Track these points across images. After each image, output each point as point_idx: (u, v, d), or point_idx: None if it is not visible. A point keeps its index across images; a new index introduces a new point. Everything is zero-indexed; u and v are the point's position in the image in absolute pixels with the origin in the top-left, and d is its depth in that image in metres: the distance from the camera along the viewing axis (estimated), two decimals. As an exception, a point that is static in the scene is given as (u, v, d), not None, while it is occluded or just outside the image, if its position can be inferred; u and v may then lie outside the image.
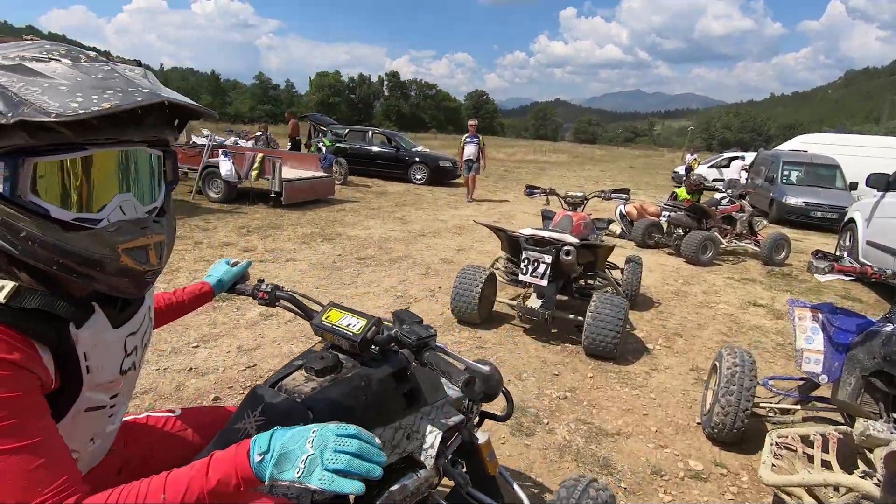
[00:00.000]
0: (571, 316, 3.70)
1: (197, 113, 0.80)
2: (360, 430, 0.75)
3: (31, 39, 0.83)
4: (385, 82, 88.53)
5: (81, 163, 0.70)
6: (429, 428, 1.36)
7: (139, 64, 0.87)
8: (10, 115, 0.63)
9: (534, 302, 3.81)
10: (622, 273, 4.66)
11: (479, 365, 1.39)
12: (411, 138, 17.38)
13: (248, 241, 6.12)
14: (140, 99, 0.68)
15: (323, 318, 1.31)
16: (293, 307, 1.41)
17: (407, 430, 1.32)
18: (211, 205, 8.29)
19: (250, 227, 6.92)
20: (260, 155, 8.24)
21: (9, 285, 0.68)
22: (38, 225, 0.68)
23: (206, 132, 15.69)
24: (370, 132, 14.55)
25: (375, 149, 13.83)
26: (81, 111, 0.63)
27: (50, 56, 0.71)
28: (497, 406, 2.43)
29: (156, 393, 2.71)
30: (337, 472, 0.68)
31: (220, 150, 8.37)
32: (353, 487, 0.67)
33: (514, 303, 3.85)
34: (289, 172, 8.93)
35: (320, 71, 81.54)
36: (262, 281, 1.47)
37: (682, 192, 7.61)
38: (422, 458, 1.34)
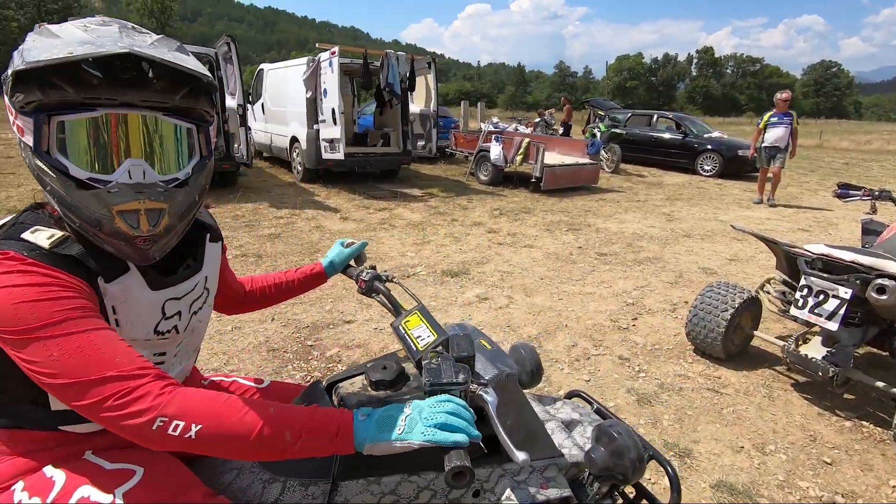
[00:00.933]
0: (881, 384, 2.45)
1: (196, 77, 0.76)
2: (455, 399, 0.75)
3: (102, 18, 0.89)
4: (694, 60, 78.67)
5: (91, 123, 0.72)
6: (507, 492, 1.03)
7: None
8: (10, 68, 0.69)
9: (815, 349, 2.68)
10: None
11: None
12: (717, 123, 14.90)
13: (495, 223, 6.36)
14: (102, 50, 0.66)
15: (402, 322, 1.13)
16: (385, 301, 1.27)
17: (476, 485, 1.03)
18: (479, 186, 8.98)
19: (504, 209, 7.19)
20: (526, 140, 8.42)
21: (58, 234, 0.75)
22: (59, 181, 0.72)
23: (494, 119, 17.19)
24: (655, 116, 13.13)
25: (659, 135, 12.44)
26: (42, 58, 0.64)
27: (83, 24, 0.75)
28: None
29: (365, 349, 3.06)
30: (436, 426, 0.70)
31: (493, 136, 8.93)
32: (457, 437, 0.69)
33: (784, 344, 2.80)
34: (553, 158, 8.87)
35: (620, 55, 78.37)
36: (374, 267, 1.37)
37: None
38: (488, 531, 1.03)
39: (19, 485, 0.81)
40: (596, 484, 1.10)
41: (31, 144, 0.72)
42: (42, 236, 0.73)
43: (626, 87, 69.28)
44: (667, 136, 12.32)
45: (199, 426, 0.66)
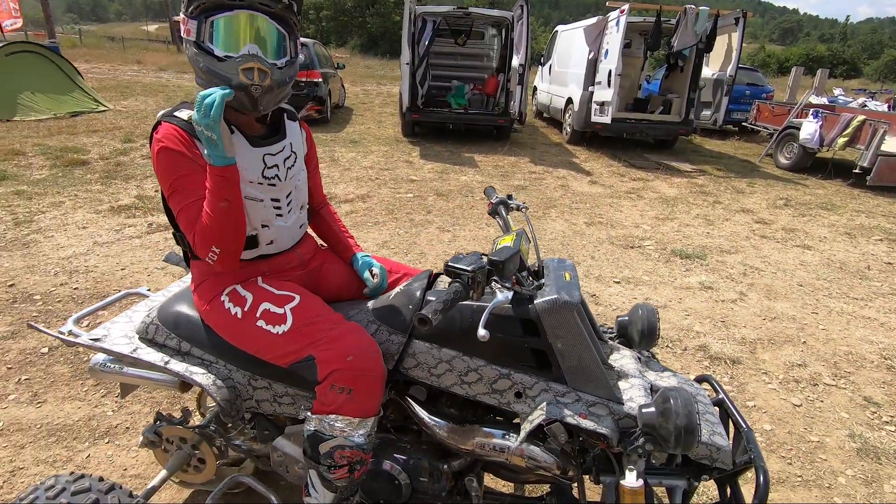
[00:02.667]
0: None
1: None
2: (203, 95, 1.04)
3: None
4: None
5: (231, 20, 1.11)
6: (543, 404, 1.15)
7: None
8: None
9: None
10: None
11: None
12: None
13: (771, 214, 5.28)
14: None
15: (500, 239, 1.31)
16: (501, 224, 1.44)
17: (518, 387, 1.19)
18: (773, 170, 7.43)
19: (793, 200, 5.84)
20: (859, 118, 6.45)
21: (193, 113, 1.10)
22: (207, 59, 1.11)
23: (837, 90, 13.46)
24: None
25: None
26: None
27: None
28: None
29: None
30: (206, 126, 1.04)
31: (811, 110, 7.15)
32: (209, 122, 1.04)
33: None
34: (900, 145, 6.56)
35: None
36: (510, 196, 1.54)
37: None
38: (521, 428, 1.17)
39: (224, 298, 1.25)
40: (641, 440, 1.10)
41: (193, 39, 1.12)
42: (184, 113, 1.17)
43: None
44: None
45: (218, 249, 1.15)
